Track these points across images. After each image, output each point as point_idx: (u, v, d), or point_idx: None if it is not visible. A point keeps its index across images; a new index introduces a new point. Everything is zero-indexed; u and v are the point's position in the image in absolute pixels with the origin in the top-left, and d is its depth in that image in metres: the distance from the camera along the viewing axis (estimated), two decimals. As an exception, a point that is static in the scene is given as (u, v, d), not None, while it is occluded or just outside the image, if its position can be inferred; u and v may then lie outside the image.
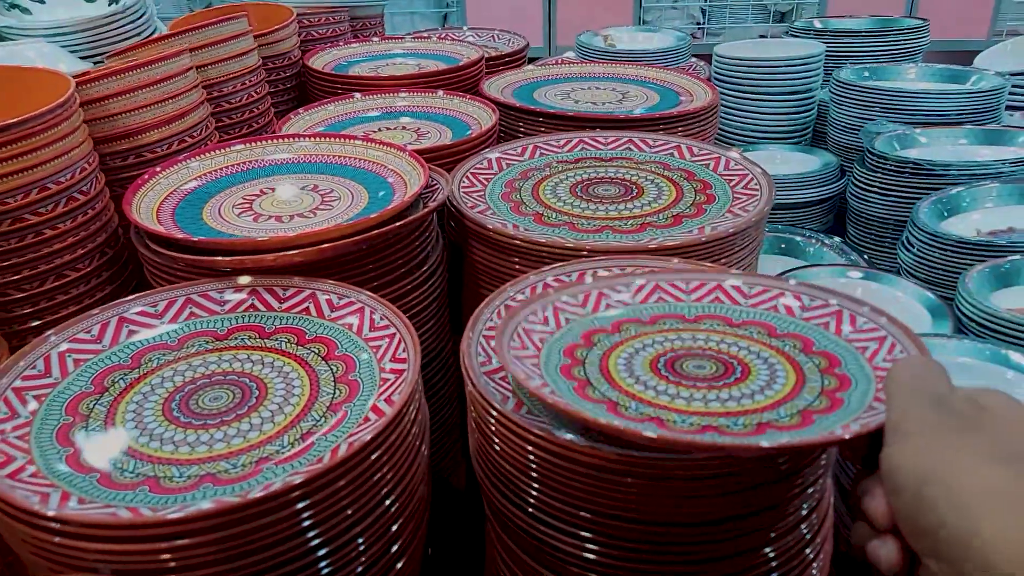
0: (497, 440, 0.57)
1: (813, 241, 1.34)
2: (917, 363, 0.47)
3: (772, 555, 0.56)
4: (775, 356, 0.60)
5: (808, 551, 0.59)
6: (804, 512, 0.58)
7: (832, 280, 1.13)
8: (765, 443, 0.47)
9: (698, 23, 2.92)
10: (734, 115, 1.79)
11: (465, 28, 1.69)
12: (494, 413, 0.55)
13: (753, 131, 1.78)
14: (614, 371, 0.59)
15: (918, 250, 1.18)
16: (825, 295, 0.65)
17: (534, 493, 0.56)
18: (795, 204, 1.57)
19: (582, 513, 0.55)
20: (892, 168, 1.35)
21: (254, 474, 0.51)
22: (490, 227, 0.79)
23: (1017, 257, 1.07)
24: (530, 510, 0.58)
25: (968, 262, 1.08)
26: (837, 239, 1.36)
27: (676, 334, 0.64)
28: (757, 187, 0.91)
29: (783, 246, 1.36)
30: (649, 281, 0.69)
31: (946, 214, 1.23)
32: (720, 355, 0.61)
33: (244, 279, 0.69)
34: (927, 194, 1.25)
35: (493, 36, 1.65)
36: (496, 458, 0.58)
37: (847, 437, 0.47)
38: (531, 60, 1.59)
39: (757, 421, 0.52)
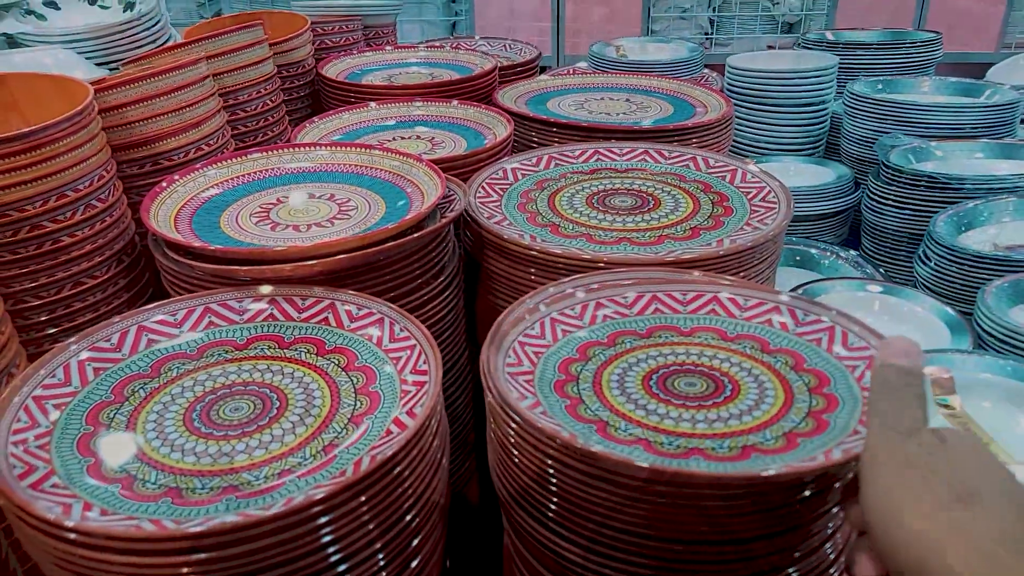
0: (516, 452, 0.56)
1: (828, 254, 1.34)
2: (896, 381, 0.44)
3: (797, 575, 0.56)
4: (766, 373, 0.60)
5: (833, 571, 0.58)
6: (829, 531, 0.57)
7: (851, 294, 1.13)
8: (743, 473, 0.48)
9: (706, 33, 2.92)
10: (747, 126, 1.78)
11: (477, 37, 1.69)
12: (513, 425, 0.55)
13: (766, 143, 1.77)
14: (606, 388, 0.59)
15: (935, 264, 1.17)
16: (819, 311, 0.65)
17: (553, 507, 0.56)
18: (809, 216, 1.56)
19: (603, 529, 0.54)
20: (907, 181, 1.34)
21: (277, 487, 0.51)
22: (507, 238, 0.79)
23: (1035, 272, 1.06)
24: (550, 524, 0.57)
25: (985, 277, 1.08)
26: (852, 252, 1.36)
27: (671, 348, 0.64)
28: (775, 200, 0.90)
29: (798, 258, 1.35)
30: (647, 292, 0.69)
31: (963, 228, 1.22)
32: (712, 371, 0.61)
33: (265, 288, 0.68)
34: (943, 208, 1.25)
35: (505, 45, 1.65)
36: (515, 470, 0.58)
37: (828, 464, 0.47)
38: (541, 70, 1.59)
39: (743, 444, 0.53)
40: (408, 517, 0.54)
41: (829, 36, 1.90)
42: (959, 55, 2.65)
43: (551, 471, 0.54)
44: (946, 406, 0.84)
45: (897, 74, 1.78)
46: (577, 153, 1.03)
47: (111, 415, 0.58)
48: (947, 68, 2.21)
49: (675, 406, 0.57)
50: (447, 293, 0.80)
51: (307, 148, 0.91)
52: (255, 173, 0.87)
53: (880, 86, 1.69)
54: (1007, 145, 1.43)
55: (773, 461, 0.51)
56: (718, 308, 0.68)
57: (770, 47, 2.71)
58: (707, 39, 2.89)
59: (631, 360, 0.62)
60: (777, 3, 2.76)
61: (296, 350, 0.64)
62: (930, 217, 1.24)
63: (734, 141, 1.80)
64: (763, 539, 0.53)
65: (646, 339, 0.65)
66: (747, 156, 1.78)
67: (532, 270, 0.79)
